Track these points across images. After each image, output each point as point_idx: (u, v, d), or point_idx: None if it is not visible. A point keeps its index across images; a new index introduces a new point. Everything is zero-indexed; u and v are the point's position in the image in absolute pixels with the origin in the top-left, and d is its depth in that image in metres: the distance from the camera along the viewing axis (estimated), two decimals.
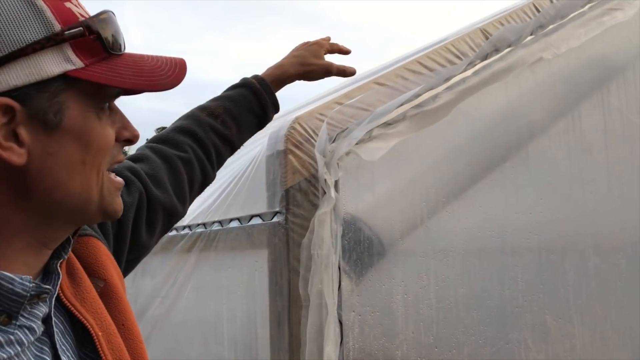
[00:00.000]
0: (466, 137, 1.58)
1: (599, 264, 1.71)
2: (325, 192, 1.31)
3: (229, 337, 1.67)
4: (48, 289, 0.60)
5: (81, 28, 0.57)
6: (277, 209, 1.35)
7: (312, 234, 1.29)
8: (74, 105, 0.58)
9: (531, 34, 1.63)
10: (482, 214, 1.56)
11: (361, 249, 1.37)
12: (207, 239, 1.74)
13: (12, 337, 0.56)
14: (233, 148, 1.10)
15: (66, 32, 0.56)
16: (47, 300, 0.61)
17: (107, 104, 0.62)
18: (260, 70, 1.18)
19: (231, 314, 1.67)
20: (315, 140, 1.34)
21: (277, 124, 1.46)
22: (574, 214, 1.71)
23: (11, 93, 0.54)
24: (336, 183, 1.32)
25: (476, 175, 1.58)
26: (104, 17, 0.60)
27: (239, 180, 1.63)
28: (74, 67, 0.57)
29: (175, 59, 0.67)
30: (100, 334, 0.65)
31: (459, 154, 1.55)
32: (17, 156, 0.55)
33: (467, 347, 1.49)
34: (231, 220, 1.61)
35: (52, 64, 0.55)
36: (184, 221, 1.95)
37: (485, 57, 1.55)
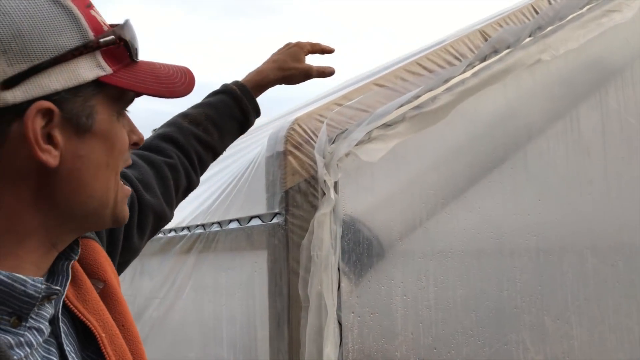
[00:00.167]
0: (465, 139, 1.58)
1: (597, 265, 1.71)
2: (324, 194, 1.31)
3: (228, 338, 1.67)
4: (58, 290, 0.60)
5: (113, 37, 0.60)
6: (277, 210, 1.35)
7: (311, 235, 1.29)
8: (102, 110, 0.61)
9: (530, 36, 1.64)
10: (481, 215, 1.56)
11: (360, 250, 1.37)
12: (207, 240, 1.74)
13: (22, 338, 0.56)
14: (215, 154, 1.13)
15: (101, 40, 0.59)
16: (53, 301, 0.61)
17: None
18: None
19: (230, 315, 1.67)
20: (315, 142, 1.34)
21: (277, 125, 1.46)
22: (572, 215, 1.71)
23: (51, 97, 0.55)
24: (335, 184, 1.32)
25: (475, 177, 1.58)
26: (128, 25, 0.63)
27: (238, 181, 1.63)
28: (104, 73, 0.59)
29: (181, 67, 0.70)
30: (103, 335, 0.65)
31: (457, 155, 1.56)
32: (52, 158, 0.56)
33: (466, 348, 1.49)
34: (230, 221, 1.61)
35: (87, 69, 0.58)
36: (183, 222, 1.94)
37: (484, 59, 1.56)
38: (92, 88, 0.59)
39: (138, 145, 0.68)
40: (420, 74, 1.49)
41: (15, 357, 0.54)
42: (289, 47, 1.21)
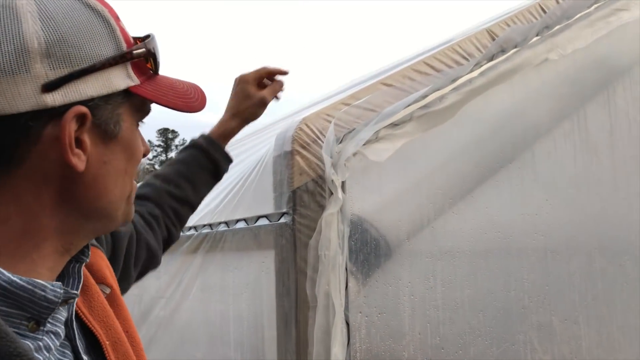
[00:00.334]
0: (472, 138, 1.57)
1: (604, 265, 1.71)
2: (332, 193, 1.31)
3: (235, 338, 1.67)
4: (75, 294, 0.61)
5: (144, 49, 0.62)
6: (284, 210, 1.35)
7: (319, 234, 1.29)
8: (127, 118, 0.63)
9: (537, 35, 1.63)
10: (489, 215, 1.56)
11: (368, 250, 1.37)
12: (214, 240, 1.74)
13: (40, 343, 0.56)
14: (192, 206, 1.19)
15: (134, 52, 0.61)
16: (67, 304, 0.61)
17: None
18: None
19: (237, 315, 1.67)
20: (323, 141, 1.34)
21: (284, 124, 1.47)
22: (580, 215, 1.70)
23: (86, 103, 0.57)
24: (343, 184, 1.32)
25: (482, 176, 1.58)
26: (154, 39, 0.65)
27: (245, 181, 1.63)
28: (133, 84, 0.62)
29: (192, 83, 0.72)
30: (107, 342, 0.66)
31: (465, 155, 1.55)
32: (81, 162, 0.57)
33: (473, 348, 1.49)
34: (238, 221, 1.61)
35: (119, 79, 0.60)
36: (190, 222, 1.95)
37: (491, 58, 1.55)
38: (121, 97, 0.61)
39: (145, 155, 0.70)
40: (428, 74, 1.48)
41: None
42: (235, 85, 1.24)
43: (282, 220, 1.35)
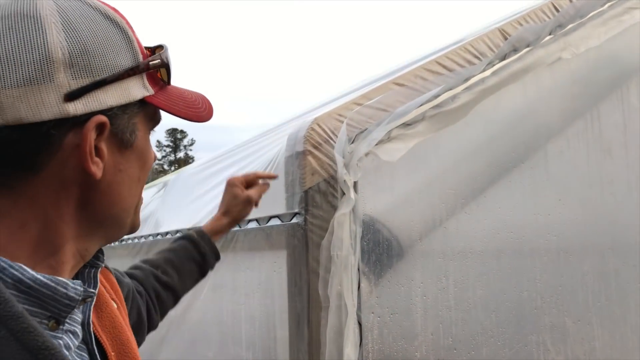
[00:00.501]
0: (485, 138, 1.57)
1: (618, 266, 1.69)
2: (344, 193, 1.31)
3: (247, 337, 1.67)
4: (93, 293, 0.62)
5: (159, 60, 0.64)
6: (296, 210, 1.35)
7: (331, 235, 1.29)
8: (141, 127, 0.65)
9: (550, 34, 1.62)
10: (501, 215, 1.55)
11: (380, 251, 1.36)
12: (225, 240, 1.74)
13: (60, 341, 0.57)
14: (175, 294, 1.24)
15: (150, 63, 0.63)
16: (81, 307, 0.63)
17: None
18: None
19: (249, 315, 1.67)
20: (335, 141, 1.33)
21: (296, 124, 1.46)
22: (593, 215, 1.69)
23: (105, 112, 0.59)
24: (355, 184, 1.32)
25: (495, 176, 1.57)
26: (167, 51, 0.67)
27: None
28: (148, 94, 0.63)
29: (199, 94, 0.74)
30: (113, 354, 0.67)
31: (477, 155, 1.55)
32: (99, 170, 0.59)
33: (486, 349, 1.48)
34: (249, 221, 1.61)
35: (136, 89, 0.62)
36: (202, 222, 1.95)
37: (503, 58, 1.55)
38: (137, 107, 0.63)
39: (154, 161, 0.72)
40: (440, 73, 1.48)
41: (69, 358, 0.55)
42: (225, 186, 1.36)
43: (294, 220, 1.35)
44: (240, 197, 1.33)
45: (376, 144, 1.33)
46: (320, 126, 1.35)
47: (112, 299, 0.75)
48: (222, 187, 1.92)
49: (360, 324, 1.30)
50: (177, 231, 2.17)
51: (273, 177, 1.38)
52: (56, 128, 0.56)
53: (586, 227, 1.67)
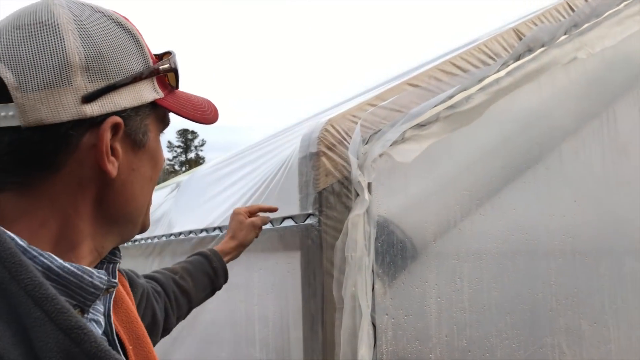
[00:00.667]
0: (499, 139, 1.56)
1: (634, 267, 1.68)
2: (358, 195, 1.30)
3: (261, 338, 1.67)
4: (115, 282, 0.65)
5: (169, 65, 0.68)
6: (310, 211, 1.35)
7: (345, 236, 1.28)
8: (153, 129, 0.68)
9: (565, 34, 1.61)
10: (516, 216, 1.54)
11: (394, 252, 1.36)
12: None
13: None
14: (190, 300, 1.29)
15: (161, 67, 0.66)
16: (103, 298, 0.65)
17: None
18: None
19: (263, 316, 1.67)
20: (348, 142, 1.33)
21: (309, 125, 1.46)
22: (609, 217, 1.68)
23: (119, 113, 0.62)
24: (369, 185, 1.31)
25: (509, 177, 1.56)
26: (175, 56, 0.70)
27: (270, 181, 1.64)
28: (159, 96, 0.67)
29: (204, 98, 0.77)
30: (130, 347, 0.70)
31: (492, 156, 1.54)
32: (114, 169, 0.62)
33: (500, 351, 1.47)
34: None
35: (148, 92, 0.65)
36: (215, 222, 1.96)
37: (518, 58, 1.53)
38: (149, 109, 0.66)
39: (163, 164, 0.75)
40: (454, 74, 1.47)
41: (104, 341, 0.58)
42: (232, 214, 1.45)
43: (308, 221, 1.35)
44: (244, 223, 1.42)
45: (390, 145, 1.33)
46: (334, 127, 1.35)
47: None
48: (236, 188, 1.93)
49: (374, 326, 1.29)
50: (190, 232, 2.18)
51: (273, 210, 1.48)
52: (74, 129, 0.59)
53: (602, 228, 1.66)
